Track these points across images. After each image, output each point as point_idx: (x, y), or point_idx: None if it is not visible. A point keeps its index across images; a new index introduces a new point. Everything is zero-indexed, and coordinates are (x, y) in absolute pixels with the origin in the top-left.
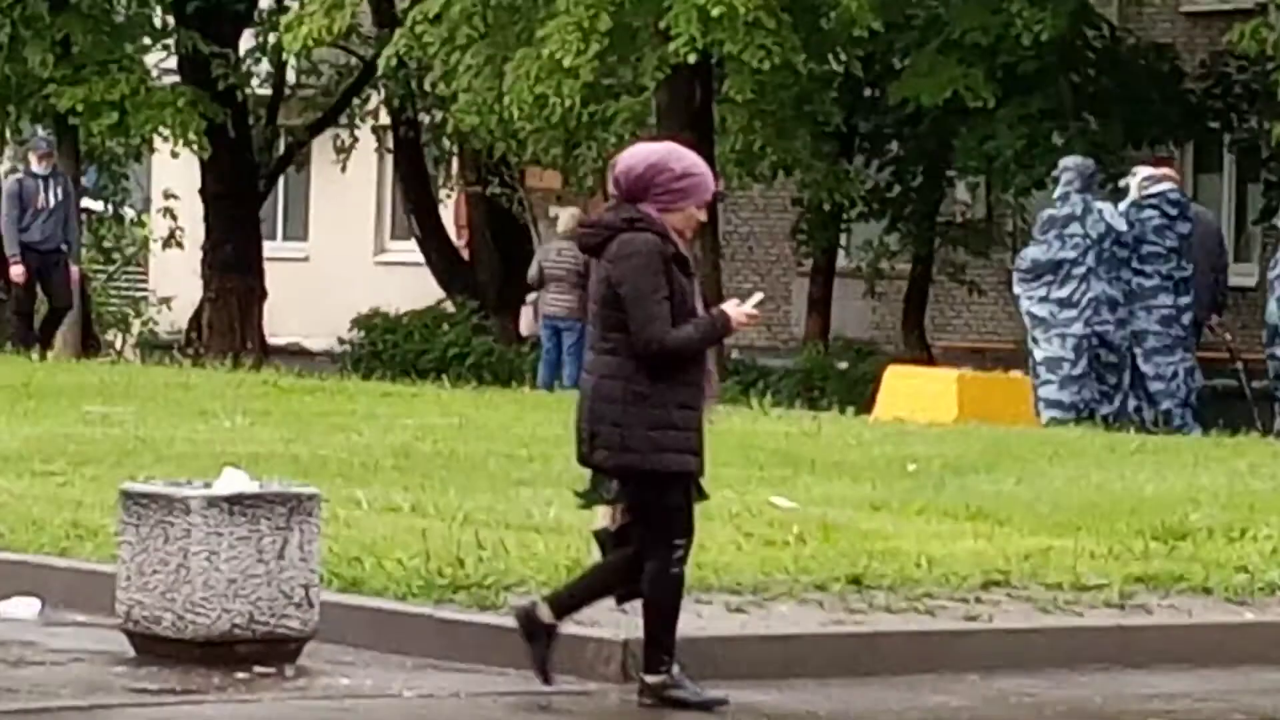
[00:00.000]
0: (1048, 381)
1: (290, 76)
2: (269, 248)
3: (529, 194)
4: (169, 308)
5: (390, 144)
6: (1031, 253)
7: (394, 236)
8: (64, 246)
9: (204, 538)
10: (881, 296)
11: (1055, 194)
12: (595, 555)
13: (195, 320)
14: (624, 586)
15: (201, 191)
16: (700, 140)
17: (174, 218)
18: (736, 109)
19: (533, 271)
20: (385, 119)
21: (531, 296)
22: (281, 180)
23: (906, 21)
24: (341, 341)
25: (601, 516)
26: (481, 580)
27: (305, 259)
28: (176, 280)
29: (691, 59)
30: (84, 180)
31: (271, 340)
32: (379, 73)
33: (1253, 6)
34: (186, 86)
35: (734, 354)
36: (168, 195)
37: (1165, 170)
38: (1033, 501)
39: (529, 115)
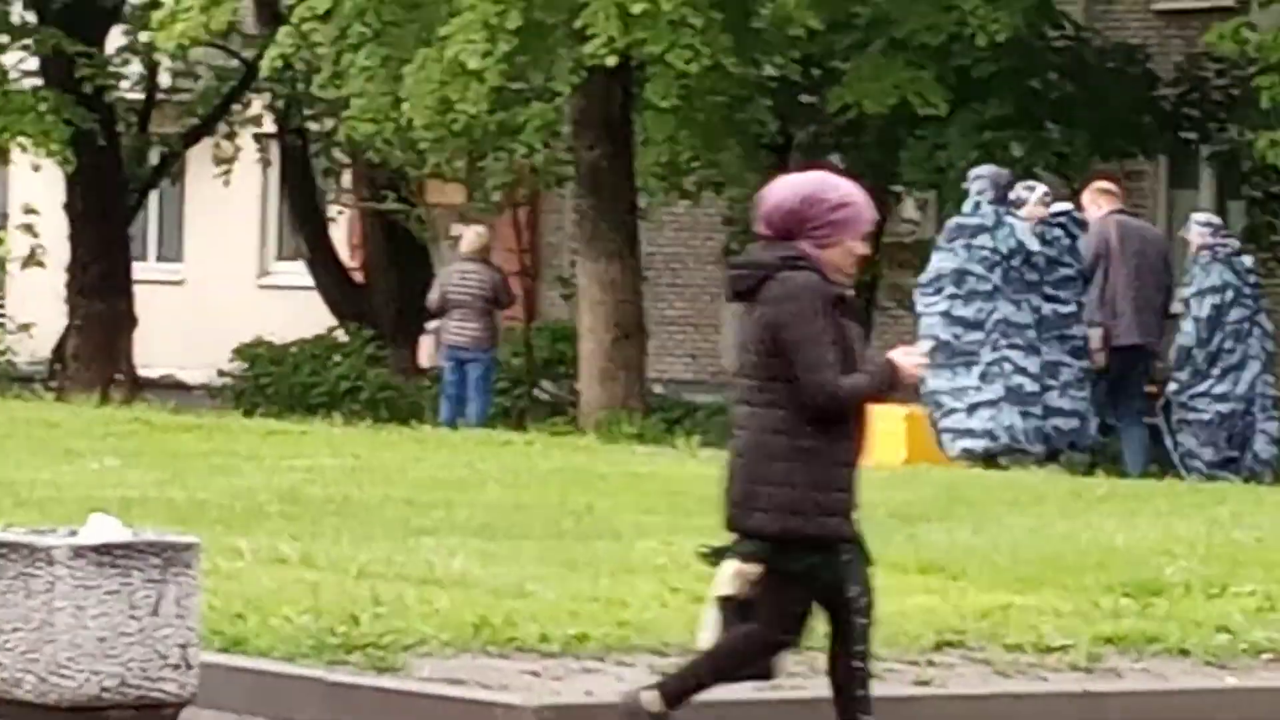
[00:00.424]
0: (953, 410)
1: (164, 79)
2: (140, 269)
3: (429, 210)
4: (29, 335)
5: (275, 155)
6: (936, 262)
7: (279, 257)
8: None
9: (70, 591)
10: None
11: (965, 205)
12: (710, 624)
13: (59, 349)
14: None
15: (66, 206)
16: (618, 152)
17: (34, 234)
18: (660, 117)
19: (433, 296)
20: (269, 127)
21: (432, 324)
22: (154, 194)
23: (848, 20)
24: (221, 373)
25: (729, 582)
26: (378, 639)
27: (181, 282)
28: (38, 305)
29: (611, 61)
30: None
31: (143, 372)
32: (262, 75)
33: (1233, 4)
34: (49, 90)
35: (657, 388)
36: (27, 210)
37: (1106, 185)
38: (990, 553)
39: (430, 123)
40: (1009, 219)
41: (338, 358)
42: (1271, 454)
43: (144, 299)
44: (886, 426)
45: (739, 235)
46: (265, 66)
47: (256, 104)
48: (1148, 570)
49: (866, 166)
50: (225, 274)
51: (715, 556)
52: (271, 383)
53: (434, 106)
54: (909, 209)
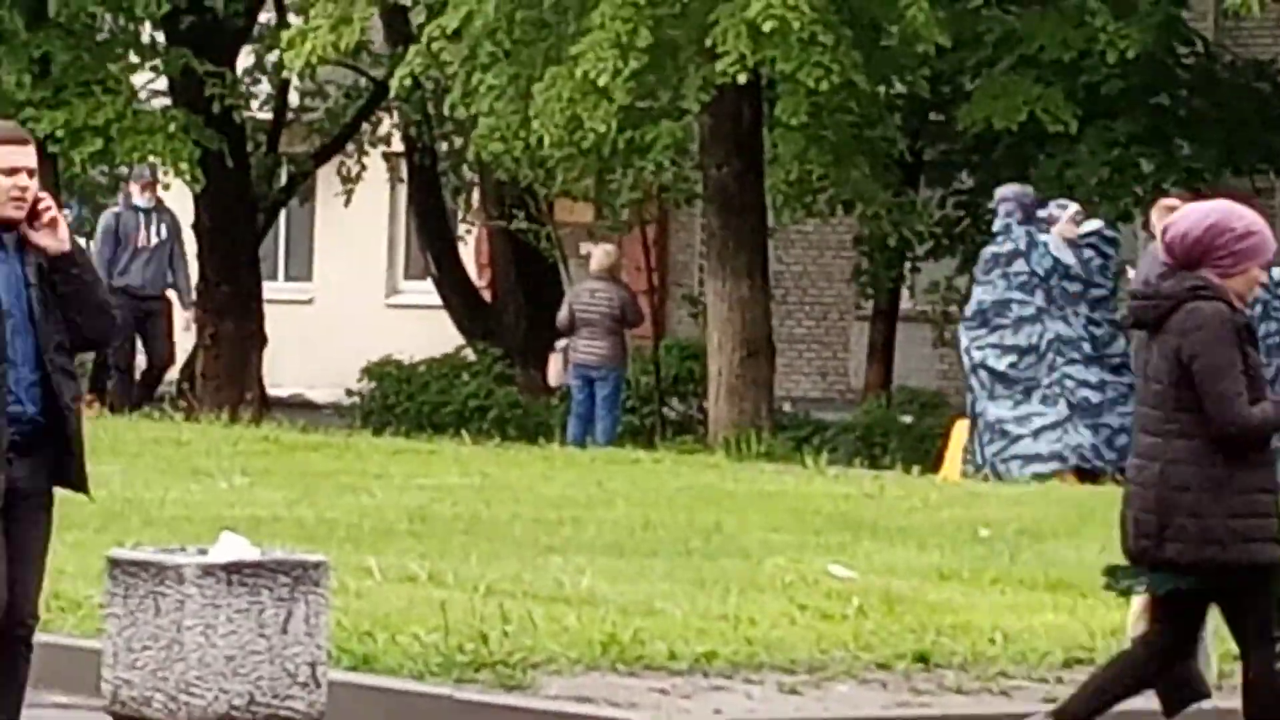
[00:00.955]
0: (1020, 437)
1: (293, 99)
2: (269, 289)
3: (558, 229)
4: None
5: (404, 173)
6: (977, 295)
7: (408, 276)
8: (169, 293)
9: (199, 610)
10: (950, 343)
11: (995, 227)
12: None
13: (188, 369)
14: (1140, 689)
15: (194, 227)
16: (747, 170)
17: None
18: (789, 135)
19: (562, 315)
20: (398, 146)
21: (561, 343)
22: (283, 214)
23: (977, 38)
24: (350, 393)
25: (1139, 619)
26: (506, 658)
27: (309, 301)
28: None
29: (741, 79)
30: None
31: (272, 391)
32: (391, 95)
33: None
34: (178, 110)
35: (785, 406)
36: None
37: (1173, 203)
38: None
39: (559, 141)
40: (1041, 237)
41: (466, 377)
42: None
43: (273, 318)
44: None
45: (868, 253)
46: (394, 85)
47: (386, 123)
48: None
49: (996, 184)
50: (354, 293)
51: (1116, 582)
52: (400, 402)
53: (563, 125)
54: None
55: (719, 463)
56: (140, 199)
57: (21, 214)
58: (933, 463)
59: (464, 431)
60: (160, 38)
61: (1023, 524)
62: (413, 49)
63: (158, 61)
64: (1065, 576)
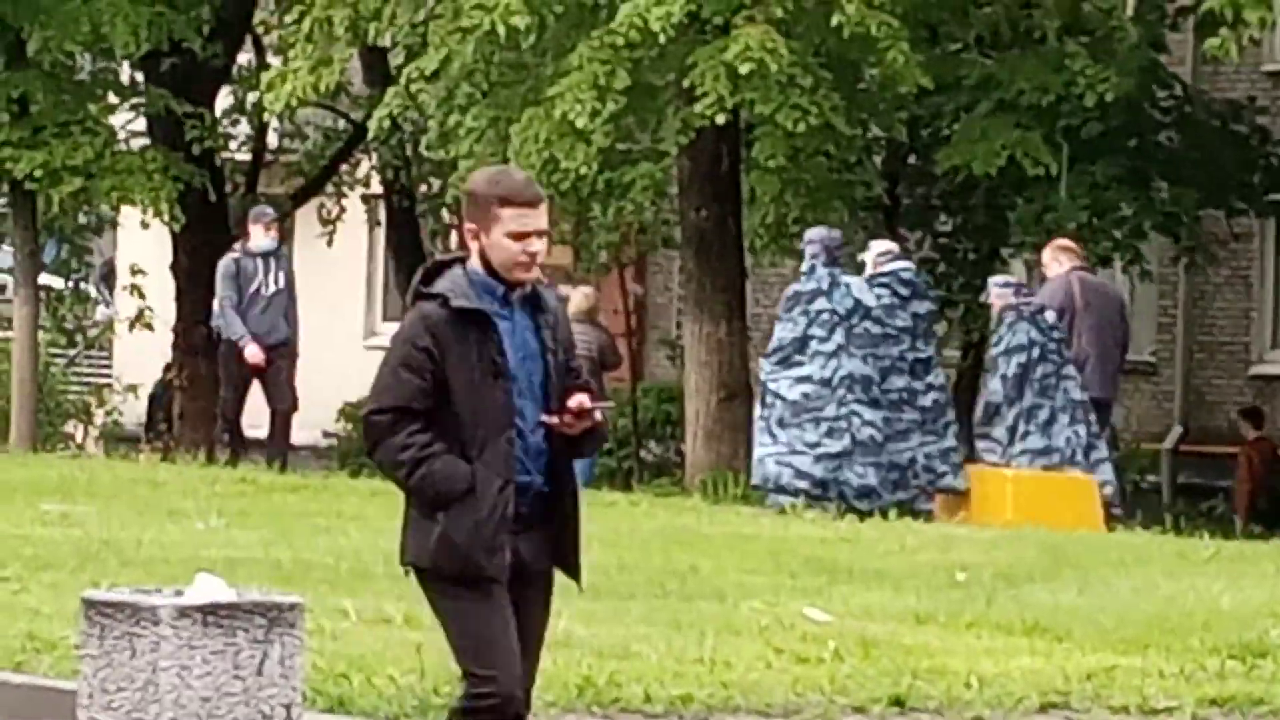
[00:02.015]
0: (801, 453)
1: (272, 140)
2: None
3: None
4: (135, 396)
5: (382, 215)
6: (778, 333)
7: (386, 318)
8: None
9: (175, 651)
10: None
11: (802, 268)
12: None
13: (166, 410)
14: None
15: (172, 267)
16: (726, 213)
17: (142, 296)
18: (767, 177)
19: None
20: (377, 187)
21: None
22: None
23: (956, 82)
24: (327, 434)
25: None
26: None
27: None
28: (144, 365)
29: (719, 120)
30: (43, 255)
31: (249, 432)
32: (369, 136)
33: None
34: (158, 150)
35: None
36: (135, 271)
37: (1066, 243)
38: (1096, 614)
39: (537, 182)
40: (845, 279)
41: None
42: (1113, 490)
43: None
44: (991, 488)
45: None
46: (372, 127)
47: (364, 164)
48: (1253, 632)
49: (974, 229)
50: (331, 334)
51: None
52: None
53: (541, 166)
54: (1018, 270)
55: (696, 505)
56: (265, 239)
57: (531, 276)
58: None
59: None
60: (140, 78)
61: (999, 568)
62: (391, 90)
63: (137, 102)
64: (1042, 620)
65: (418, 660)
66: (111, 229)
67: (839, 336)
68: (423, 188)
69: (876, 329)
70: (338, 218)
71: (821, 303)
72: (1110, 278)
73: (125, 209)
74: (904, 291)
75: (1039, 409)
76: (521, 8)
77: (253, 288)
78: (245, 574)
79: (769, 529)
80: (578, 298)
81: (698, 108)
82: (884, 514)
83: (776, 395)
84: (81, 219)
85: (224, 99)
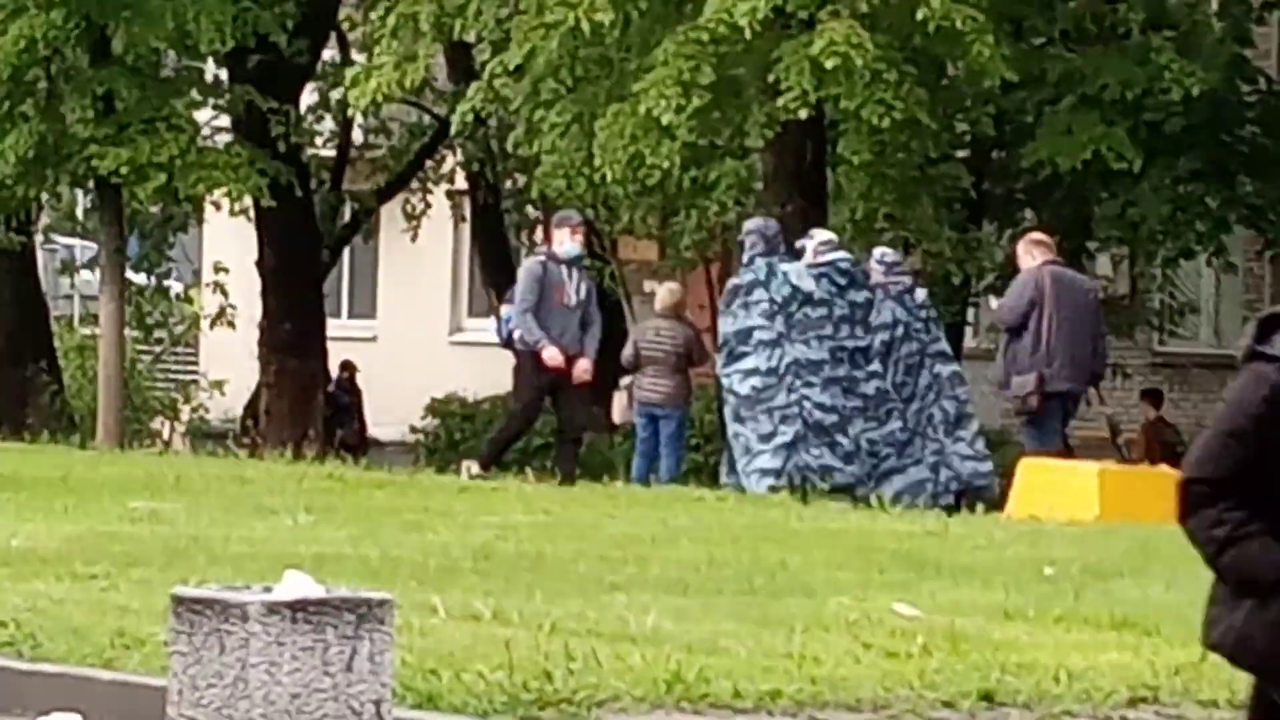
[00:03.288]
0: (761, 452)
1: (357, 136)
2: (333, 326)
3: (622, 266)
4: (222, 393)
5: (467, 211)
6: (721, 329)
7: (472, 313)
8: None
9: (264, 648)
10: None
11: (743, 260)
12: None
13: (251, 407)
14: None
15: (258, 264)
16: (811, 208)
17: (225, 293)
18: (853, 173)
19: (627, 353)
20: (462, 183)
21: (625, 381)
22: (347, 251)
23: (1039, 76)
24: (414, 430)
25: None
26: (571, 695)
27: (373, 339)
28: (230, 362)
29: (803, 114)
30: (127, 250)
31: (372, 431)
32: (453, 131)
33: None
34: (242, 145)
35: None
36: (219, 268)
37: (1040, 236)
38: (1184, 609)
39: (622, 179)
40: (781, 267)
41: None
42: (973, 469)
43: (336, 356)
44: (1079, 483)
45: (931, 289)
46: (456, 122)
47: (449, 160)
48: None
49: (1059, 223)
50: (418, 331)
51: None
52: (464, 439)
53: (626, 162)
54: (1103, 264)
55: (783, 500)
56: (572, 244)
57: None
58: (997, 501)
59: (528, 469)
60: (224, 75)
61: (1087, 562)
62: (474, 86)
63: (221, 99)
64: (1130, 615)
65: (506, 656)
66: (197, 225)
67: (779, 324)
68: (507, 183)
69: (815, 313)
70: (422, 214)
71: (760, 293)
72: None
73: (211, 206)
74: (841, 281)
75: (904, 386)
76: (605, 3)
77: (556, 296)
78: (333, 570)
79: (857, 524)
80: (664, 294)
81: (782, 102)
82: (847, 491)
83: (730, 390)
84: (167, 214)
85: (309, 95)
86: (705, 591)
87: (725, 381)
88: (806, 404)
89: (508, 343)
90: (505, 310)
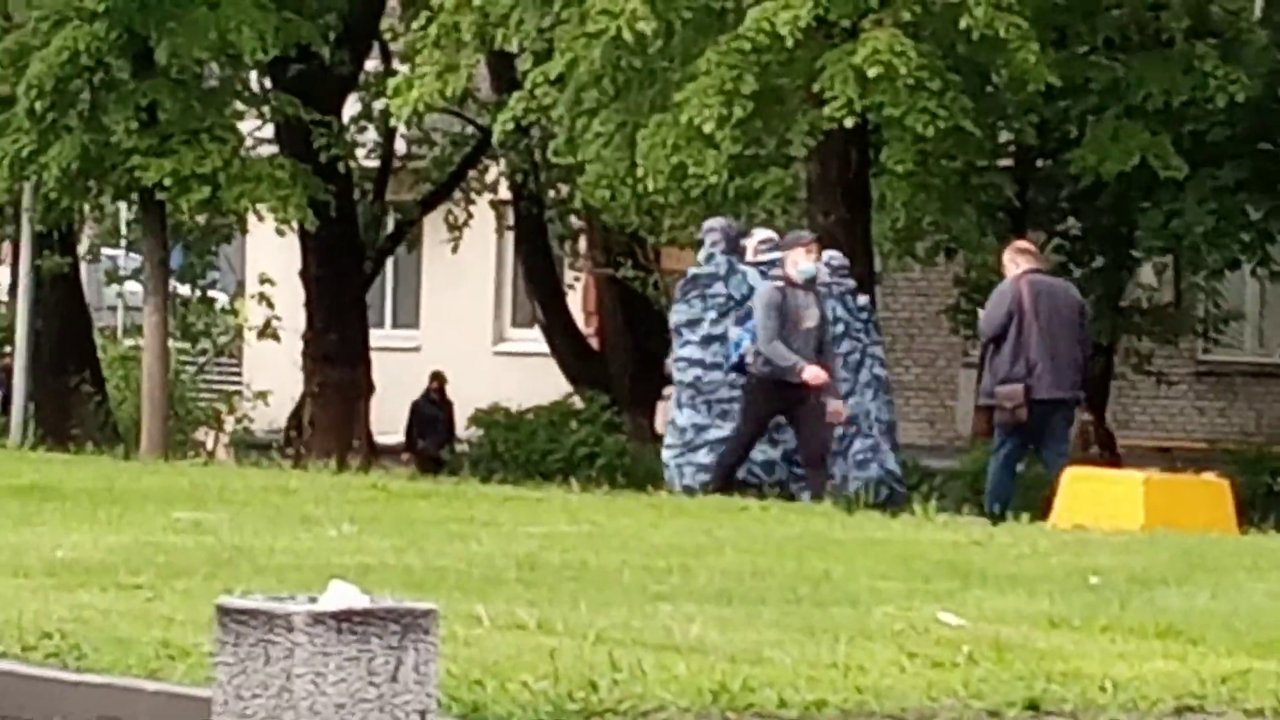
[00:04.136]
0: (696, 446)
1: (399, 146)
2: (377, 336)
3: (666, 276)
4: (265, 403)
5: (510, 221)
6: (673, 318)
7: (515, 324)
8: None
9: (309, 658)
10: None
11: (700, 256)
12: None
13: (295, 417)
14: None
15: (302, 274)
16: (855, 217)
17: (270, 304)
18: (896, 182)
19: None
20: (505, 193)
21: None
22: (390, 262)
23: (1083, 85)
24: (458, 440)
25: None
26: (616, 705)
27: (417, 349)
28: (274, 372)
29: (848, 122)
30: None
31: (380, 439)
32: (495, 140)
33: None
34: (286, 158)
35: None
36: (264, 280)
37: (1024, 245)
38: (1230, 618)
39: (665, 189)
40: (741, 266)
41: (574, 424)
42: (898, 474)
43: (380, 366)
44: (1124, 491)
45: (973, 297)
46: (497, 130)
47: (492, 170)
48: None
49: (1102, 233)
50: (461, 341)
51: None
52: (508, 450)
53: (670, 172)
54: (1147, 274)
55: (827, 510)
56: (806, 263)
57: None
58: (1042, 510)
59: (572, 479)
60: (267, 85)
61: (1132, 571)
62: (516, 95)
63: (264, 109)
64: (1175, 624)
65: (551, 665)
66: (241, 235)
67: (730, 320)
68: (550, 193)
69: None
70: (465, 224)
71: (719, 287)
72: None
73: (254, 218)
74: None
75: (843, 383)
76: (648, 13)
77: (798, 322)
78: (378, 580)
79: (901, 533)
80: None
81: (826, 111)
82: (781, 488)
83: (676, 379)
84: (211, 226)
85: (351, 106)
86: (750, 601)
87: (676, 370)
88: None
89: (737, 367)
90: (735, 333)
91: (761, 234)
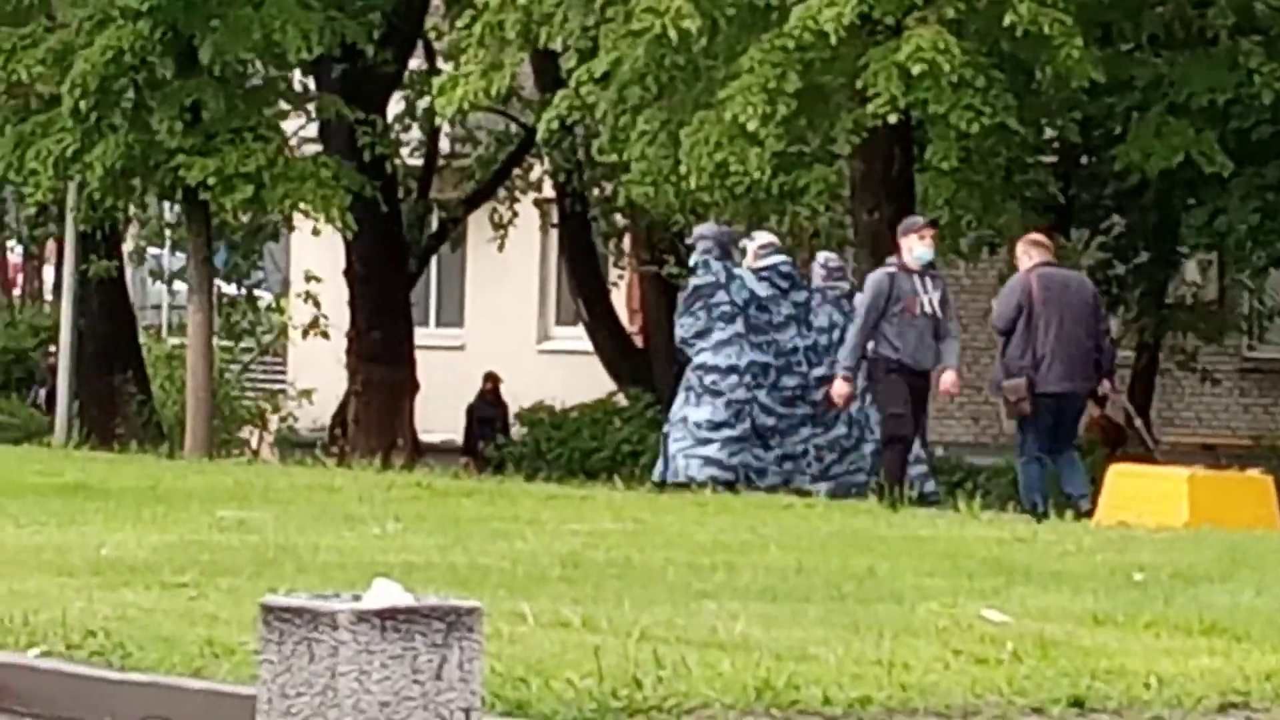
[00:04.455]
0: (708, 440)
1: (444, 145)
2: (421, 335)
3: None
4: (310, 401)
5: (554, 219)
6: (680, 332)
7: (559, 322)
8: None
9: (353, 656)
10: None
11: (692, 262)
12: None
13: (340, 415)
14: None
15: (346, 273)
16: (899, 214)
17: (317, 303)
18: (940, 179)
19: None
20: (549, 191)
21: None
22: (434, 260)
23: (1127, 82)
24: (512, 441)
25: None
26: (661, 703)
27: (461, 347)
28: (318, 371)
29: (892, 118)
30: (215, 260)
31: (424, 437)
32: (539, 138)
33: None
34: (329, 157)
35: (939, 451)
36: (309, 278)
37: (1038, 237)
38: (1274, 614)
39: (709, 186)
40: (738, 271)
41: (618, 422)
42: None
43: (424, 364)
44: (1168, 488)
45: None
46: (541, 128)
47: (536, 168)
48: None
49: (1146, 231)
50: (505, 339)
51: None
52: (551, 448)
53: (711, 169)
54: (1191, 271)
55: (872, 507)
56: (921, 248)
57: None
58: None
59: (616, 477)
60: (311, 84)
61: (1177, 568)
62: (560, 93)
63: (308, 108)
64: (1220, 620)
65: (596, 663)
66: (287, 232)
67: (738, 326)
68: (594, 191)
69: (764, 318)
70: (509, 222)
71: (721, 295)
72: None
73: (299, 216)
74: (783, 284)
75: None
76: (692, 10)
77: (907, 307)
78: (422, 579)
79: (946, 531)
80: None
81: (870, 108)
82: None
83: (688, 385)
84: (255, 224)
85: (395, 104)
86: (794, 598)
87: (689, 376)
88: (756, 406)
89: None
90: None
91: (762, 238)
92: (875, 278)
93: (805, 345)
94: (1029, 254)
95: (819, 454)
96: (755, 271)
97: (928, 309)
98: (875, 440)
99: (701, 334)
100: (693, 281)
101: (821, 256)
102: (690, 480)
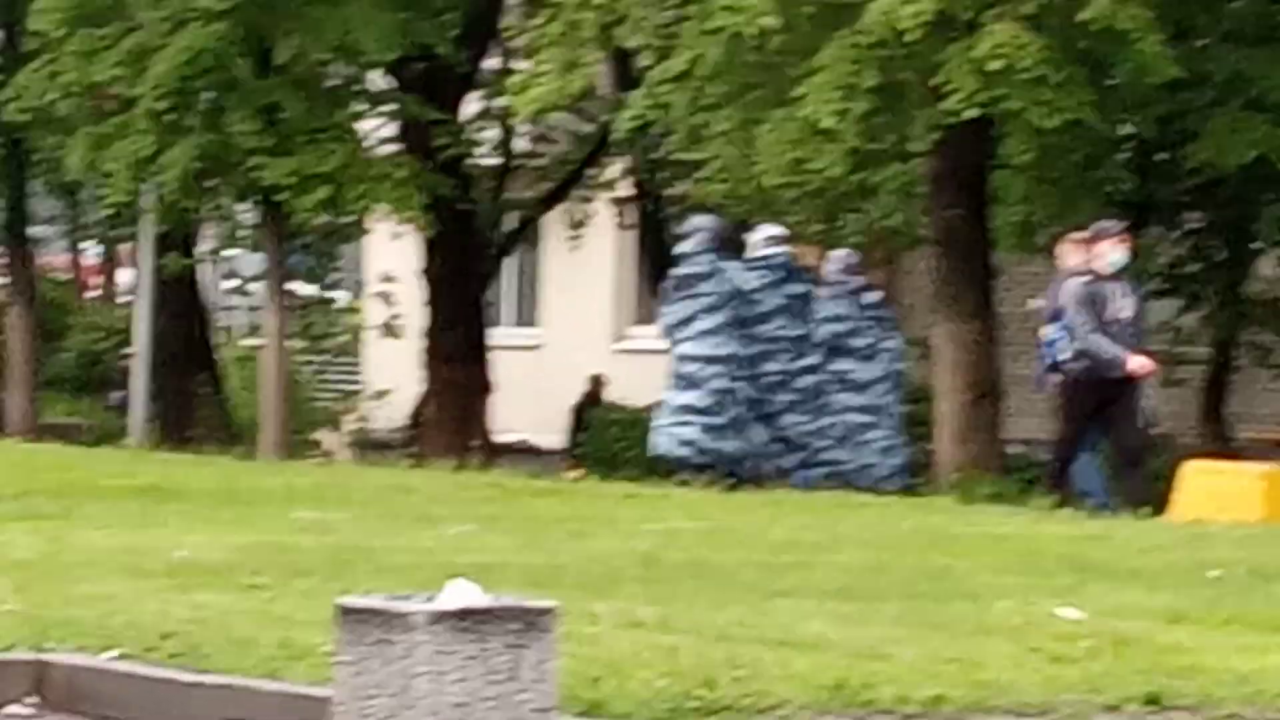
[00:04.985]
0: (687, 423)
1: (520, 144)
2: (497, 334)
3: None
4: (386, 401)
5: (629, 218)
6: (667, 319)
7: (636, 321)
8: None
9: (429, 657)
10: (1179, 384)
11: (684, 248)
12: None
13: (415, 416)
14: None
15: (423, 272)
16: (975, 211)
17: (391, 304)
18: (1016, 175)
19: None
20: (624, 190)
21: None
22: (511, 260)
23: (1203, 78)
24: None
25: None
26: (736, 702)
27: (537, 347)
28: (394, 371)
29: (969, 114)
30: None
31: (499, 437)
32: (616, 138)
33: None
34: (406, 157)
35: (1012, 448)
36: (385, 278)
37: (1080, 236)
38: None
39: (785, 184)
40: (723, 264)
41: None
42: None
43: (500, 364)
44: (1243, 484)
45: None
46: (620, 129)
47: (612, 168)
48: None
49: (1223, 227)
50: (581, 338)
51: None
52: (627, 447)
53: (786, 167)
54: (1268, 267)
55: (947, 505)
56: (1115, 253)
57: None
58: (1161, 504)
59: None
60: (387, 85)
61: (1252, 564)
62: (637, 93)
63: (385, 109)
64: None
65: (671, 663)
66: (361, 233)
67: (720, 317)
68: (673, 189)
69: (749, 310)
70: (584, 222)
71: (704, 286)
72: None
73: (372, 218)
74: (780, 275)
75: (852, 373)
76: (771, 8)
77: (1107, 315)
78: (497, 579)
79: (1021, 528)
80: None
81: (946, 105)
82: (755, 480)
83: (675, 373)
84: (331, 226)
85: (471, 105)
86: (869, 597)
87: (674, 364)
88: (738, 395)
89: (1055, 366)
90: (1048, 332)
91: (769, 230)
92: (1074, 288)
93: (794, 335)
94: (1075, 253)
95: (803, 440)
96: (748, 262)
97: (1126, 314)
98: (883, 434)
99: (684, 323)
100: (680, 270)
101: (840, 253)
102: (668, 456)
